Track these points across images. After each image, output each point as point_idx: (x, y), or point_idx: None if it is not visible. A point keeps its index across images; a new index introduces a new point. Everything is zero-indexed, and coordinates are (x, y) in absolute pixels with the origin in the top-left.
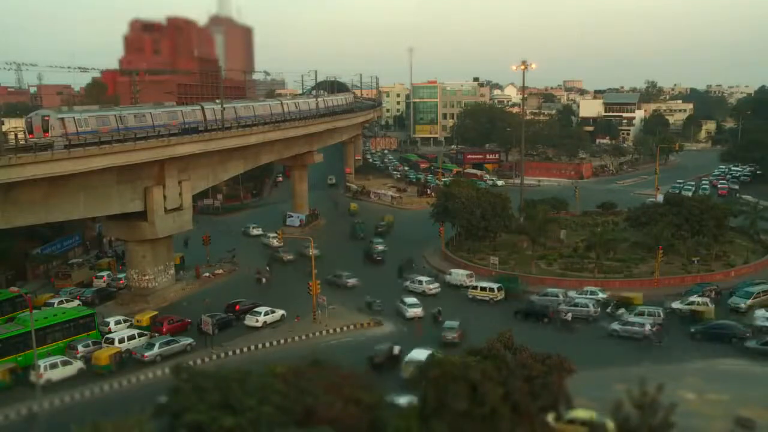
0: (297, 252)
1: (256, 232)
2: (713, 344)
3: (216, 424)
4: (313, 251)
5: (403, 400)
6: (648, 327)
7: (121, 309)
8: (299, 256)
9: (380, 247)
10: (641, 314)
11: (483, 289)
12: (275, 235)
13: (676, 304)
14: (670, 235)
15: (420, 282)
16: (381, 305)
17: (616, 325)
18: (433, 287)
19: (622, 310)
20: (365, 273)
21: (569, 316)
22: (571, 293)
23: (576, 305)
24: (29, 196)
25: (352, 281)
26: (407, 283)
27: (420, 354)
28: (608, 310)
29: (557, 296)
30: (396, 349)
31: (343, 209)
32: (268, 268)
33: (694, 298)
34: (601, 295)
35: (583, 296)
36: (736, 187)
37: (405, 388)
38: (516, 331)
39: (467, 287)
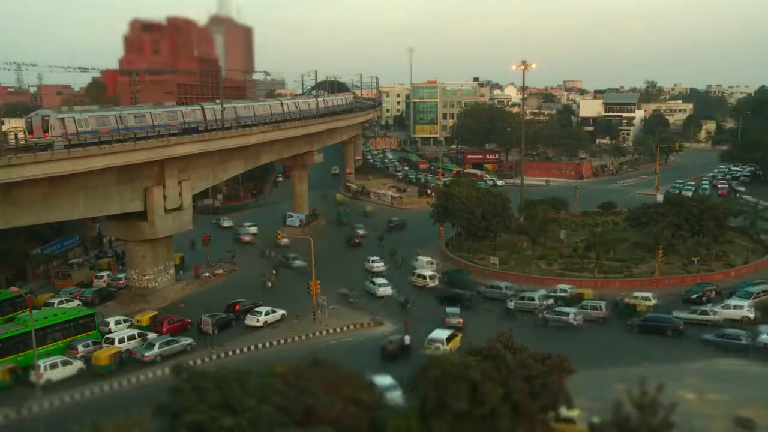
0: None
1: (227, 224)
2: (648, 336)
3: (216, 424)
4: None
5: (380, 380)
6: (572, 316)
7: (121, 309)
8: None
9: (361, 231)
10: (585, 307)
11: (419, 276)
12: (251, 223)
13: (626, 299)
14: (670, 235)
15: (369, 261)
16: (355, 296)
17: (547, 315)
18: (378, 265)
19: (550, 301)
20: (343, 256)
21: (512, 305)
22: (541, 290)
23: (523, 298)
24: (29, 196)
25: (298, 263)
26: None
27: (441, 333)
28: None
29: (502, 288)
30: (407, 339)
31: (331, 199)
32: (274, 272)
33: (637, 293)
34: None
35: (536, 292)
36: (742, 188)
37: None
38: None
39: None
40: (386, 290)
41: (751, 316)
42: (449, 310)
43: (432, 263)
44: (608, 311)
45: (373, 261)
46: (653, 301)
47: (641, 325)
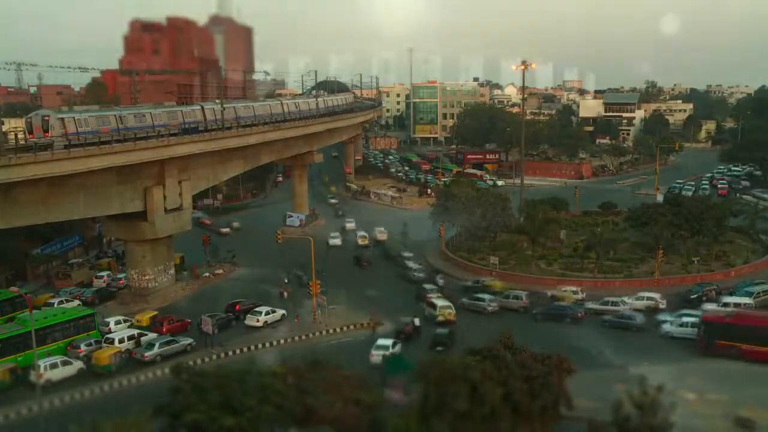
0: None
1: None
2: (550, 322)
3: (216, 424)
4: (236, 224)
5: (383, 341)
6: (486, 302)
7: (121, 309)
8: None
9: (334, 201)
10: (512, 297)
11: (357, 237)
12: (202, 213)
13: (552, 292)
14: (670, 235)
15: (345, 220)
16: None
17: (465, 300)
18: (350, 225)
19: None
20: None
21: (441, 282)
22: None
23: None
24: (29, 196)
25: (224, 230)
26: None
27: (444, 302)
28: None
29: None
30: (417, 321)
31: (318, 181)
32: (287, 281)
33: (566, 288)
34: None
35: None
36: (767, 196)
37: (441, 326)
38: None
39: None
40: (336, 241)
41: (661, 305)
42: (428, 287)
43: (383, 232)
44: (528, 301)
45: (347, 221)
46: (580, 295)
47: (544, 314)
